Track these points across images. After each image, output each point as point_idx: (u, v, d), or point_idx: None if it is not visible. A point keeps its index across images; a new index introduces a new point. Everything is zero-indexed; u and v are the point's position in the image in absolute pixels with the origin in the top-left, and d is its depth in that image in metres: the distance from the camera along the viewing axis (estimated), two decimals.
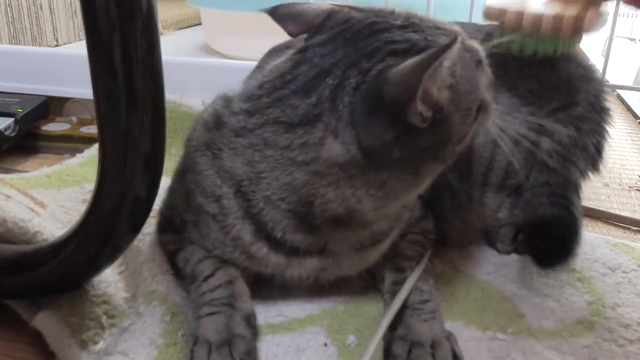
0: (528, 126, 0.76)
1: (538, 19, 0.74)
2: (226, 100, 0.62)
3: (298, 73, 0.56)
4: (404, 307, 0.61)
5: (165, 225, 0.70)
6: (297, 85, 0.55)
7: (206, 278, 0.62)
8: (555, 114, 0.79)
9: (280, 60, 0.60)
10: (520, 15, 0.75)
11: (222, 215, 0.60)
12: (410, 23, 0.57)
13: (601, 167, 0.81)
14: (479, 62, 0.57)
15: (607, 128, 0.81)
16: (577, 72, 0.81)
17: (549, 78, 0.79)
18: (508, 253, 0.78)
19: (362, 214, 0.57)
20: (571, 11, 0.73)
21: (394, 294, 0.62)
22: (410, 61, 0.50)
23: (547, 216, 0.75)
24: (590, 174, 0.81)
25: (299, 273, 0.63)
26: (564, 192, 0.77)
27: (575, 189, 0.78)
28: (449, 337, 0.58)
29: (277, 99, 0.56)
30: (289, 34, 0.60)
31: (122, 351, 0.56)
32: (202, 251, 0.64)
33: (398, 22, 0.56)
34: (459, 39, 0.50)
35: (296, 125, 0.54)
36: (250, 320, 0.59)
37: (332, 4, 0.61)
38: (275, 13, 0.61)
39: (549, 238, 0.73)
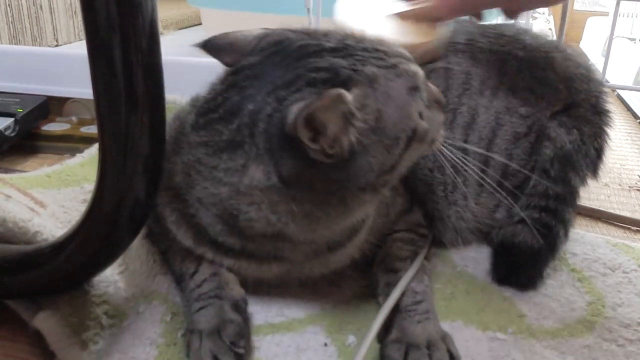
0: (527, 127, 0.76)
1: None
2: (192, 105, 0.63)
3: (226, 97, 0.56)
4: (398, 309, 0.61)
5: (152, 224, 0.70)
6: (224, 110, 0.55)
7: (192, 275, 0.63)
8: (558, 117, 0.78)
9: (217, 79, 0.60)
10: None
11: (162, 220, 0.63)
12: (344, 46, 0.55)
13: (600, 172, 0.81)
14: (413, 88, 0.55)
15: (608, 131, 0.81)
16: (577, 72, 0.81)
17: (549, 77, 0.79)
18: None
19: (292, 235, 0.57)
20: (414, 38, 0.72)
21: (387, 295, 0.62)
22: (298, 106, 0.49)
23: (519, 242, 0.73)
24: (589, 179, 0.80)
25: (261, 275, 0.63)
26: (557, 208, 0.75)
27: (573, 199, 0.77)
28: (445, 337, 0.58)
29: (208, 122, 0.56)
30: (226, 65, 0.59)
31: (122, 350, 0.56)
32: (183, 249, 0.64)
33: (330, 45, 0.55)
34: (340, 93, 0.49)
35: (222, 151, 0.55)
36: (239, 306, 0.59)
37: (265, 28, 0.59)
38: (208, 46, 0.59)
39: (511, 262, 0.73)
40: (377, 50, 0.55)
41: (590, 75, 0.82)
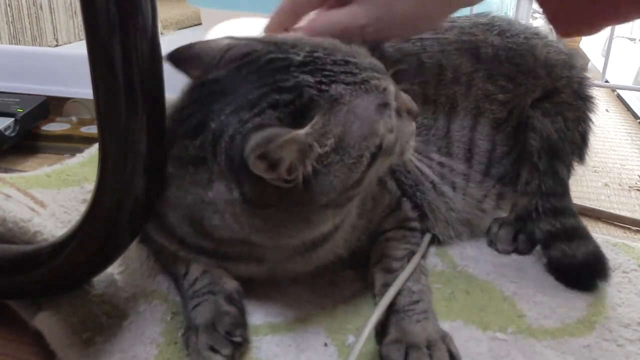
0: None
1: None
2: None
3: (190, 112, 0.55)
4: (396, 310, 0.60)
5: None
6: (189, 125, 0.55)
7: (184, 275, 0.63)
8: (540, 104, 0.78)
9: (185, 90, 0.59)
10: None
11: None
12: (312, 59, 0.53)
13: (587, 157, 0.81)
14: (382, 105, 0.54)
15: (592, 116, 0.81)
16: (558, 58, 0.80)
17: (527, 63, 0.79)
18: (508, 253, 0.78)
19: (258, 243, 0.58)
20: None
21: (383, 294, 0.62)
22: (255, 140, 0.48)
23: (579, 260, 0.72)
24: (575, 164, 0.80)
25: (242, 274, 0.63)
26: (563, 206, 0.75)
27: (566, 189, 0.78)
28: (445, 337, 0.58)
29: (176, 134, 0.56)
30: (193, 78, 0.57)
31: (123, 349, 0.56)
32: (171, 252, 0.64)
33: (299, 58, 0.53)
34: (294, 136, 0.48)
35: (188, 164, 0.54)
36: (232, 298, 0.60)
37: (232, 37, 0.58)
38: (174, 58, 0.57)
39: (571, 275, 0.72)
40: (347, 63, 0.54)
41: (571, 62, 0.81)
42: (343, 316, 0.63)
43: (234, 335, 0.55)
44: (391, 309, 0.60)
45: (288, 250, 0.61)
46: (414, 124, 0.61)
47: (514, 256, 0.77)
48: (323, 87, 0.52)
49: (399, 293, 0.62)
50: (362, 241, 0.70)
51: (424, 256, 0.71)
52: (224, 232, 0.56)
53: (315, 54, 0.54)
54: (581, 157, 0.80)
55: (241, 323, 0.58)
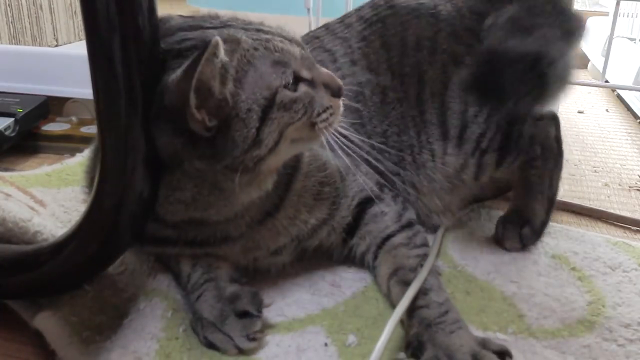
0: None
1: None
2: None
3: None
4: (427, 325, 0.58)
5: None
6: None
7: (179, 275, 0.65)
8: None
9: None
10: None
11: None
12: (223, 24, 0.58)
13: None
14: (278, 62, 0.55)
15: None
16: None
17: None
18: (518, 250, 0.78)
19: (200, 218, 0.60)
20: None
21: (411, 311, 0.60)
22: (175, 74, 0.51)
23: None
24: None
25: (229, 256, 0.65)
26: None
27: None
28: (484, 342, 0.56)
29: None
30: None
31: (123, 345, 0.56)
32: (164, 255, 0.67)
33: (208, 25, 0.58)
34: (218, 40, 0.50)
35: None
36: (232, 277, 0.63)
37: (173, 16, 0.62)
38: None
39: None
40: (257, 30, 0.58)
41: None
42: (343, 316, 0.63)
43: (254, 315, 0.58)
44: (422, 323, 0.59)
45: (237, 225, 0.63)
46: (337, 101, 0.61)
47: (514, 255, 0.77)
48: (226, 33, 0.55)
49: (426, 307, 0.60)
50: (333, 236, 0.70)
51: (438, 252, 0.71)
52: (167, 214, 0.59)
53: (229, 23, 0.59)
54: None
55: (255, 295, 0.60)
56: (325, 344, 0.59)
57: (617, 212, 0.92)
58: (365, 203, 0.71)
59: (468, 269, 0.73)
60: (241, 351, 0.56)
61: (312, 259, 0.73)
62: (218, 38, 0.50)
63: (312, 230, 0.68)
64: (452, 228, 0.83)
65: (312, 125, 0.58)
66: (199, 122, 0.51)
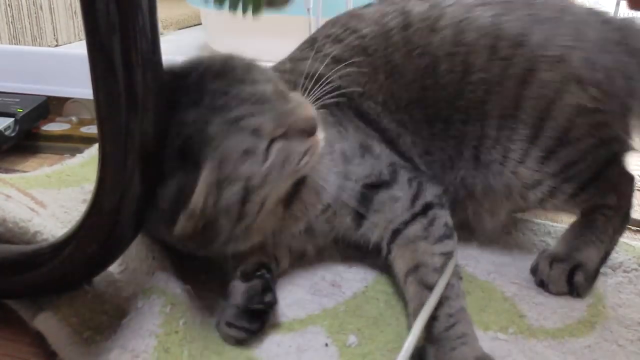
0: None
1: None
2: None
3: None
4: (432, 339, 0.57)
5: None
6: None
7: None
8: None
9: None
10: None
11: None
12: (199, 86, 0.57)
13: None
14: (248, 150, 0.56)
15: None
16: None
17: None
18: (564, 294, 0.69)
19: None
20: None
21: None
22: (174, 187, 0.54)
23: None
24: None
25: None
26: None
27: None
28: (485, 358, 0.55)
29: None
30: None
31: (122, 345, 0.56)
32: None
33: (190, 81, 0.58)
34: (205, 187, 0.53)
35: None
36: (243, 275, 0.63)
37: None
38: None
39: None
40: (226, 93, 0.57)
41: None
42: (344, 316, 0.63)
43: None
44: (427, 336, 0.57)
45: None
46: (314, 138, 0.60)
47: (515, 256, 0.77)
48: (202, 126, 0.55)
49: (435, 319, 0.58)
50: (339, 220, 0.68)
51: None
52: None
53: (204, 79, 0.58)
54: None
55: (267, 286, 0.62)
56: (326, 344, 0.59)
57: None
58: (373, 187, 0.68)
59: (468, 269, 0.73)
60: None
61: (313, 259, 0.73)
62: (204, 184, 0.53)
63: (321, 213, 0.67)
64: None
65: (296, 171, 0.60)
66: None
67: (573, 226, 0.75)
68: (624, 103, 0.70)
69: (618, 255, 0.76)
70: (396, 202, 0.68)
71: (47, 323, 0.55)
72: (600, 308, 0.66)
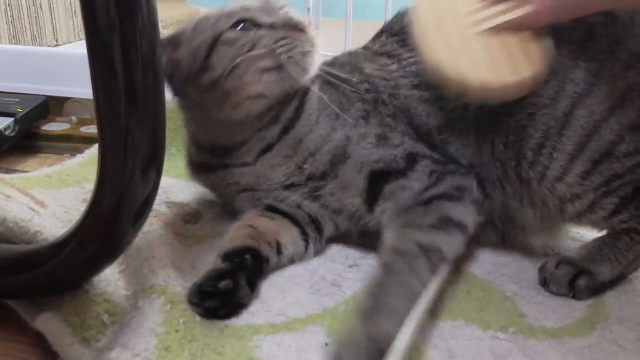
0: None
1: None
2: None
3: None
4: None
5: None
6: None
7: None
8: None
9: None
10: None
11: None
12: None
13: None
14: (227, 15, 0.71)
15: None
16: None
17: None
18: (563, 296, 0.68)
19: (201, 141, 0.79)
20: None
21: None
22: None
23: None
24: None
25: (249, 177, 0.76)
26: None
27: None
28: None
29: None
30: None
31: (123, 344, 0.56)
32: None
33: None
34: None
35: None
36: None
37: None
38: None
39: None
40: None
41: None
42: (344, 316, 0.63)
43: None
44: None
45: (248, 152, 0.74)
46: (298, 33, 0.70)
47: (515, 256, 0.77)
48: None
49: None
50: (347, 199, 0.72)
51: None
52: (199, 139, 0.79)
53: None
54: None
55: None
56: (326, 344, 0.59)
57: None
58: (382, 175, 0.69)
59: (469, 269, 0.73)
60: None
61: (313, 259, 0.73)
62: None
63: (321, 177, 0.72)
64: None
65: (276, 56, 0.68)
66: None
67: (597, 240, 0.73)
68: None
69: None
70: (406, 191, 0.67)
71: (48, 323, 0.55)
72: (601, 308, 0.66)
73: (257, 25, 0.70)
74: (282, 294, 0.67)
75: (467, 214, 0.66)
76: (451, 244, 0.63)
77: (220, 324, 0.61)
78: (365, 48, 0.83)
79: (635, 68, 0.67)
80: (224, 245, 0.69)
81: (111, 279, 0.60)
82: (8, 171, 0.99)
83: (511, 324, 0.63)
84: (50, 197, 0.76)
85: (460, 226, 0.64)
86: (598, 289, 0.69)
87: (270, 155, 0.74)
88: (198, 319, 0.61)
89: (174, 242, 0.74)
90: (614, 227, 0.70)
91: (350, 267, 0.73)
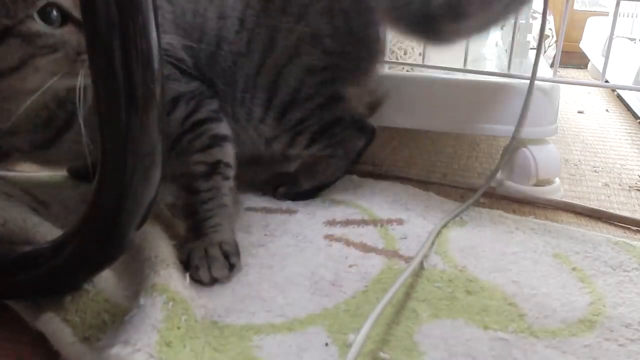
0: None
1: None
2: None
3: None
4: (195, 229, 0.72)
5: None
6: None
7: None
8: None
9: None
10: None
11: None
12: None
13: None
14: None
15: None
16: None
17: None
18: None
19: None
20: None
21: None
22: None
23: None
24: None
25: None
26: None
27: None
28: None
29: None
30: None
31: (124, 340, 0.56)
32: None
33: None
34: None
35: None
36: None
37: None
38: None
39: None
40: None
41: None
42: (344, 316, 0.63)
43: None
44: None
45: (21, 141, 0.67)
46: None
47: (516, 255, 0.77)
48: None
49: (195, 213, 0.72)
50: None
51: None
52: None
53: None
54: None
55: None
56: (326, 344, 0.59)
57: (618, 212, 0.92)
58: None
59: (469, 269, 0.73)
60: None
61: (312, 257, 0.73)
62: None
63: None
64: (452, 227, 0.83)
65: (74, 62, 0.57)
66: None
67: (302, 164, 0.94)
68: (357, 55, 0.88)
69: (618, 255, 0.77)
70: (171, 123, 0.75)
71: (49, 324, 0.55)
72: (601, 307, 0.66)
73: (72, 19, 0.57)
74: (282, 293, 0.67)
75: (227, 129, 0.79)
76: (225, 151, 0.77)
77: (221, 323, 0.61)
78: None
79: (303, 20, 0.82)
80: None
81: (112, 279, 0.61)
82: (9, 171, 0.99)
83: (511, 323, 0.63)
84: (51, 197, 0.76)
85: (224, 139, 0.78)
86: (299, 195, 0.90)
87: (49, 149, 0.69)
88: (199, 317, 0.61)
89: (175, 242, 0.74)
90: (314, 156, 0.91)
91: (350, 267, 0.73)
